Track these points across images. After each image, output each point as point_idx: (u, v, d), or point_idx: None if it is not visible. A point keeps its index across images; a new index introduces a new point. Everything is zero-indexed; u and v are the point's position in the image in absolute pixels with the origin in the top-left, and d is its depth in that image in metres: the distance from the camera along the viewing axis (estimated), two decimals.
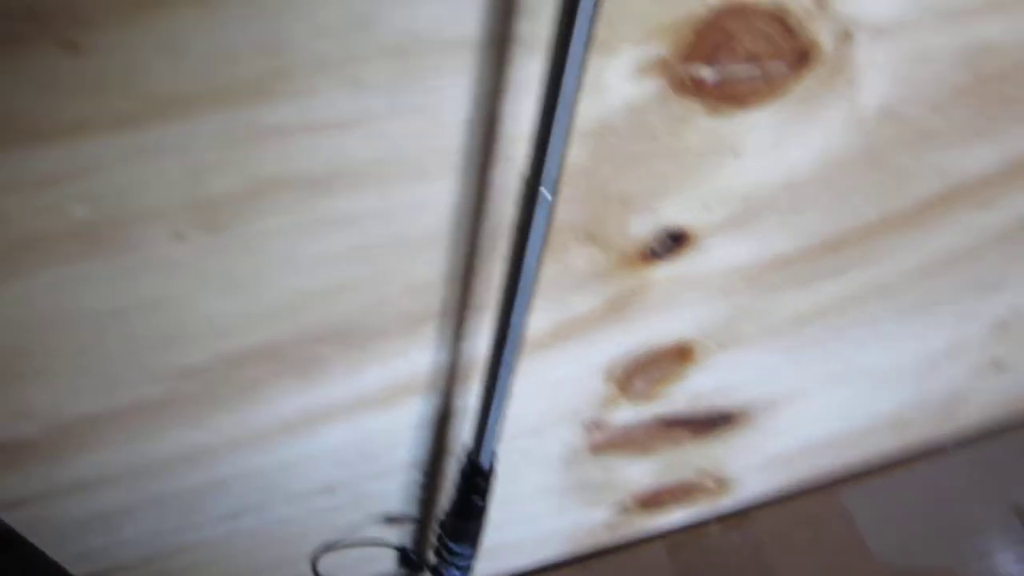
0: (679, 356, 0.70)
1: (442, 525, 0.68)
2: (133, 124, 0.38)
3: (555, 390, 0.69)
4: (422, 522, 0.83)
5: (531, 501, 0.86)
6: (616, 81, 0.44)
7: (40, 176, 0.38)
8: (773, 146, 0.51)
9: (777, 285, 0.64)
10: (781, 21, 0.43)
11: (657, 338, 0.66)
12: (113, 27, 0.34)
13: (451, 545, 0.67)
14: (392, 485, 0.75)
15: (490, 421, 0.56)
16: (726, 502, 1.03)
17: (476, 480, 0.61)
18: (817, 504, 1.06)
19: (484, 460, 0.60)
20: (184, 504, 0.66)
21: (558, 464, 0.80)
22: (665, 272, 0.59)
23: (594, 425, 0.76)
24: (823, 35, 0.45)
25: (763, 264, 0.61)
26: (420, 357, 0.59)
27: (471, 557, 0.69)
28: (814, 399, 0.85)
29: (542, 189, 0.40)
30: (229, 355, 0.53)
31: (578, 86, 0.36)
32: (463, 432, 0.70)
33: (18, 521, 0.61)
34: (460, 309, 0.56)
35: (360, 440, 0.67)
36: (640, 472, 0.87)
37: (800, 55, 0.46)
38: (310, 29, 0.36)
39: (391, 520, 0.81)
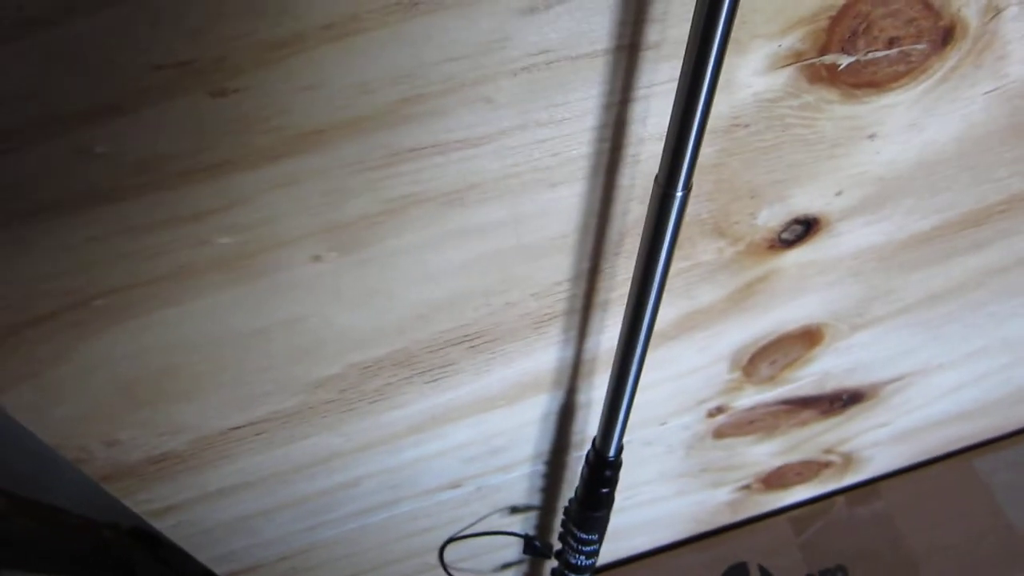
0: (807, 340, 0.68)
1: (567, 514, 0.68)
2: (274, 158, 0.38)
3: (680, 380, 0.68)
4: (546, 511, 0.83)
5: (654, 486, 0.86)
6: (748, 77, 0.42)
7: (189, 212, 0.40)
8: (911, 127, 0.49)
9: (912, 264, 0.62)
10: (922, 0, 0.41)
11: (784, 324, 0.65)
12: (258, 71, 0.34)
13: (578, 533, 0.67)
14: (516, 477, 0.76)
15: (618, 414, 0.56)
16: (853, 477, 1.00)
17: (603, 472, 0.61)
18: (950, 474, 1.03)
19: (611, 452, 0.59)
20: (318, 505, 0.69)
21: (681, 450, 0.80)
22: (793, 259, 0.57)
23: (718, 411, 0.75)
24: (968, 10, 0.43)
25: (897, 244, 0.59)
26: (545, 355, 0.60)
27: (597, 543, 0.69)
28: (949, 374, 0.81)
29: (676, 190, 0.39)
30: (362, 364, 0.54)
31: (714, 87, 0.35)
32: (587, 425, 0.70)
33: (169, 527, 0.64)
34: (584, 307, 0.56)
35: (486, 437, 0.67)
36: (764, 453, 0.86)
37: (944, 33, 0.43)
38: (442, 54, 0.36)
39: (515, 510, 0.82)
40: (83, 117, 0.34)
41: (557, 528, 0.75)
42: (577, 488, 0.64)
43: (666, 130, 0.37)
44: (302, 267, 0.45)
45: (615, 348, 0.50)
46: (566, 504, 0.68)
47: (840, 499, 1.03)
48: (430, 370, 0.56)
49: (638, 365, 0.51)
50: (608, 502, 0.64)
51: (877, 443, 0.92)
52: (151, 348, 0.46)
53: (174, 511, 0.62)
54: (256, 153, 0.38)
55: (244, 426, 0.56)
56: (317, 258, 0.45)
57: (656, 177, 0.39)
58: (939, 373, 0.81)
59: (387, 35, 0.35)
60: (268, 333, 0.49)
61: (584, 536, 0.68)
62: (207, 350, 0.48)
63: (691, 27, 0.33)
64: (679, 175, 0.38)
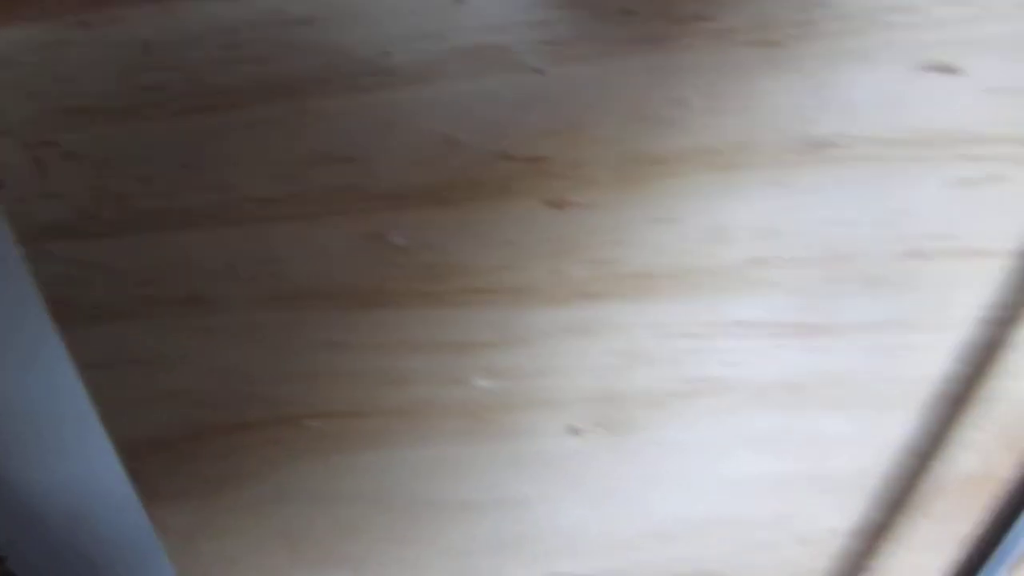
0: None
1: None
2: (576, 296, 0.31)
3: None
4: None
5: None
6: None
7: (457, 340, 0.33)
8: None
9: None
10: None
11: None
12: (612, 187, 0.28)
13: None
14: None
15: None
16: None
17: None
18: None
19: None
20: None
21: None
22: None
23: None
24: None
25: None
26: None
27: None
28: None
29: None
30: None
31: None
32: None
33: None
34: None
35: None
36: None
37: None
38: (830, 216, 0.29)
39: None
40: (391, 197, 0.28)
41: None
42: None
43: None
44: (554, 438, 0.36)
45: None
46: None
47: None
48: None
49: None
50: None
51: None
52: (342, 495, 0.38)
53: None
54: (562, 284, 0.31)
55: None
56: (575, 431, 0.36)
57: None
58: None
59: (783, 179, 0.28)
60: (480, 511, 0.40)
61: None
62: (401, 515, 0.40)
63: None
64: None
